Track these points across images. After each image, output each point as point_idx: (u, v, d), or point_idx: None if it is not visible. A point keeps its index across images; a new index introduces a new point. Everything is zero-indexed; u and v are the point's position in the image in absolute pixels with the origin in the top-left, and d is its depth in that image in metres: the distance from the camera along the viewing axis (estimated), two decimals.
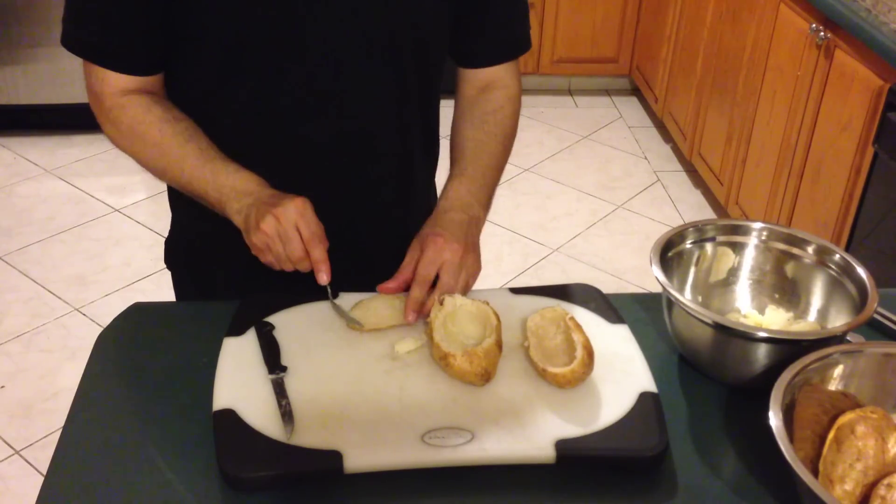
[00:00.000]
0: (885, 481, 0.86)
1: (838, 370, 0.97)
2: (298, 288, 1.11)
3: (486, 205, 1.23)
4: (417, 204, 1.29)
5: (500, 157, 1.26)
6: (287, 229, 1.03)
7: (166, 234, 1.35)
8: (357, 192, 1.22)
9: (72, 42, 1.10)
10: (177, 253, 1.34)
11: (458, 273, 1.10)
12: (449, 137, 1.29)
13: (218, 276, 1.28)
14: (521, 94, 1.30)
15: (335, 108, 1.15)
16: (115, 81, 1.11)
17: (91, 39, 1.09)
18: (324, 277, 1.05)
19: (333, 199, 1.15)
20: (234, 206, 1.08)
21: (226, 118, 1.14)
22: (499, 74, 1.27)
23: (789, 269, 1.15)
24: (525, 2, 1.27)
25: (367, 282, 1.13)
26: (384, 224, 1.26)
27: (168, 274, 1.36)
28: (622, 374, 1.01)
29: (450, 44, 1.23)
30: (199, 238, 1.28)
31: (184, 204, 1.23)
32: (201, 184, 1.10)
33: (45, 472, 0.93)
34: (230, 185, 1.09)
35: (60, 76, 3.54)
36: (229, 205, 1.08)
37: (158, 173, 1.16)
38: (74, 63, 1.17)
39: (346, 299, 1.12)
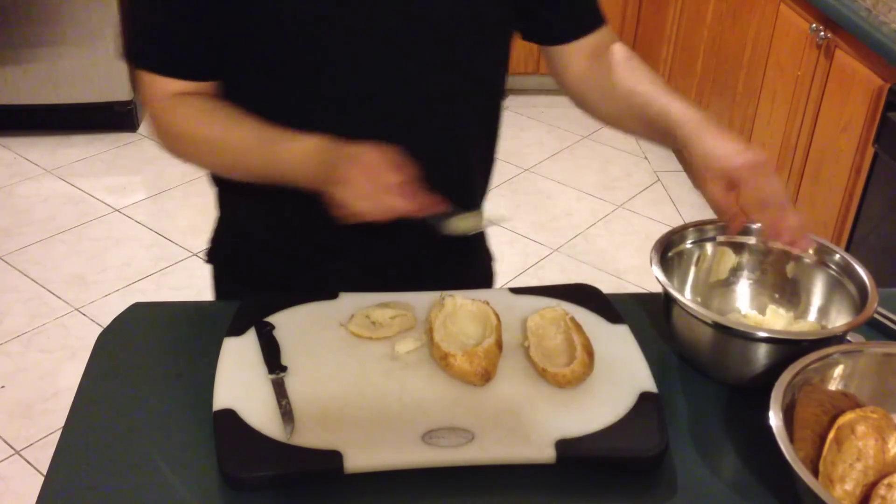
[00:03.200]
0: (886, 481, 0.86)
1: (838, 370, 0.97)
2: (327, 283, 1.11)
3: None
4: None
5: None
6: (375, 172, 0.98)
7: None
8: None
9: (130, 52, 1.10)
10: (220, 248, 1.33)
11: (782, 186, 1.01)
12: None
13: (260, 273, 1.27)
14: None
15: (388, 107, 1.13)
16: (162, 85, 1.09)
17: (148, 49, 1.09)
18: (441, 206, 1.01)
19: None
20: (306, 169, 1.04)
21: (277, 120, 1.10)
22: (601, 40, 1.21)
23: (789, 269, 1.15)
24: None
25: (411, 280, 1.13)
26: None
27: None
28: (622, 374, 1.01)
29: (536, 30, 1.20)
30: (243, 235, 1.27)
31: (231, 201, 1.24)
32: (266, 161, 1.07)
33: (45, 472, 0.93)
34: (299, 149, 1.04)
35: (60, 76, 3.54)
36: (301, 170, 1.04)
37: (220, 167, 1.14)
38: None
39: (348, 301, 1.12)
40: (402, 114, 1.13)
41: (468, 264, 1.34)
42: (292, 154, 1.05)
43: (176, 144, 1.12)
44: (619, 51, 1.20)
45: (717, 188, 1.01)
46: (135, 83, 1.12)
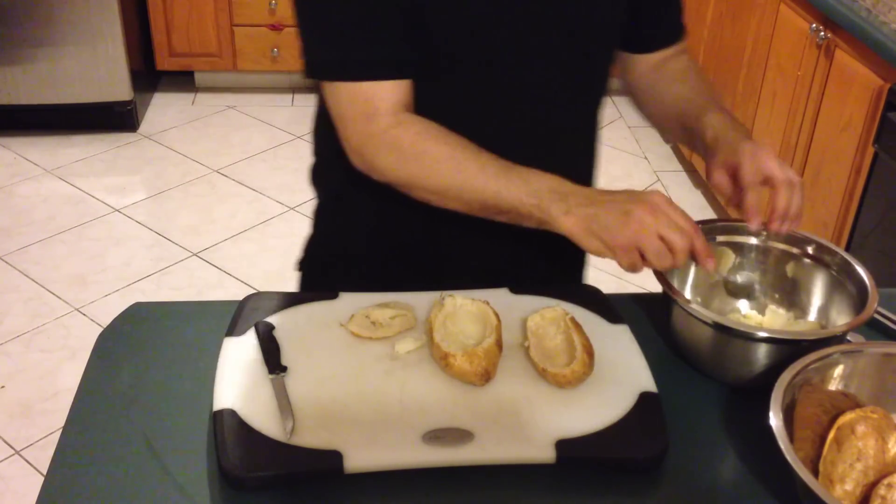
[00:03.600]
0: (886, 481, 0.86)
1: (838, 370, 0.97)
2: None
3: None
4: None
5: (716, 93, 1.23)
6: (668, 218, 0.96)
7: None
8: None
9: (326, 68, 1.03)
10: (313, 261, 1.33)
11: (792, 189, 1.03)
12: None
13: (349, 277, 1.27)
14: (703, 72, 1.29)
15: (543, 108, 1.14)
16: (388, 96, 1.03)
17: (352, 57, 1.02)
18: (710, 264, 0.99)
19: None
20: (560, 206, 0.98)
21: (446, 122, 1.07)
22: (674, 48, 1.27)
23: (789, 269, 1.15)
24: None
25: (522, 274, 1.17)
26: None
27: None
28: (622, 374, 1.01)
29: (628, 38, 1.23)
30: (337, 254, 1.29)
31: (332, 217, 1.27)
32: (511, 192, 1.00)
33: (45, 472, 0.93)
34: (547, 187, 1.00)
35: (60, 76, 3.54)
36: (554, 206, 0.99)
37: (451, 192, 1.04)
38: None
39: (348, 300, 1.12)
40: (552, 111, 1.16)
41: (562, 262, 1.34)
42: (546, 184, 1.00)
43: (400, 161, 1.04)
44: (681, 61, 1.25)
45: (723, 174, 1.06)
46: (323, 101, 1.05)
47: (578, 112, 1.22)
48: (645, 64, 1.27)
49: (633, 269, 0.98)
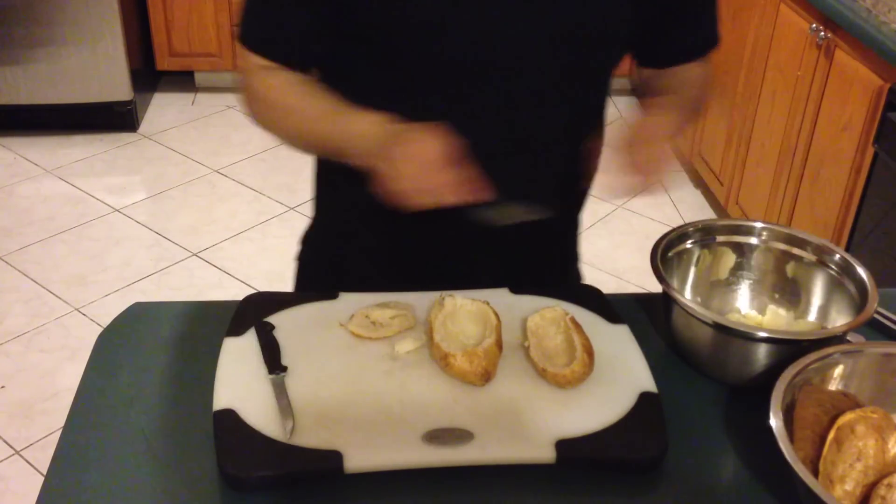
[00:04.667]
0: (886, 481, 0.86)
1: (838, 370, 0.97)
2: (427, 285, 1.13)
3: (685, 120, 1.17)
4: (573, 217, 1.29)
5: (697, 98, 1.21)
6: (424, 155, 0.99)
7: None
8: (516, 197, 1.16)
9: (238, 29, 1.14)
10: (312, 250, 1.34)
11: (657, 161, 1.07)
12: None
13: (348, 276, 1.27)
14: (711, 74, 1.25)
15: (498, 110, 1.12)
16: (256, 61, 1.13)
17: (249, 26, 1.13)
18: (485, 193, 1.01)
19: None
20: (364, 144, 1.04)
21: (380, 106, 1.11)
22: (690, 67, 1.23)
23: (789, 269, 1.15)
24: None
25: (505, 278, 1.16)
26: (540, 230, 1.18)
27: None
28: (622, 374, 1.01)
29: (642, 54, 1.22)
30: (338, 237, 1.29)
31: (331, 202, 1.27)
32: (330, 131, 1.09)
33: (45, 472, 0.93)
34: (362, 123, 1.05)
35: (60, 76, 3.54)
36: (358, 144, 1.05)
37: (296, 139, 1.15)
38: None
39: (348, 300, 1.12)
40: (514, 112, 1.13)
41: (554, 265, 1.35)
42: (355, 126, 1.06)
43: (259, 110, 1.15)
44: (695, 70, 1.22)
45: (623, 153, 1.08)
46: (235, 55, 1.17)
47: (565, 120, 1.18)
48: (664, 77, 1.23)
49: (422, 206, 1.01)
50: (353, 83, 1.14)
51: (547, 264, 1.31)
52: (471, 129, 1.09)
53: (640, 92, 1.26)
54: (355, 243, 1.27)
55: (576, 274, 1.40)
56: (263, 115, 1.15)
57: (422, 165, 0.98)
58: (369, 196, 1.07)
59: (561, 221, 1.28)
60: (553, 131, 1.17)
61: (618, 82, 1.29)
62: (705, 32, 1.22)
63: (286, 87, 1.12)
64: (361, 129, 1.05)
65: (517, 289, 1.16)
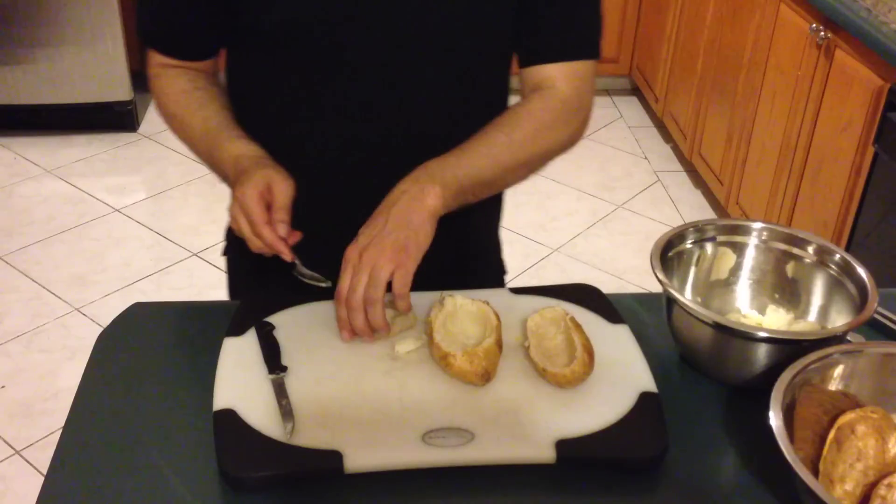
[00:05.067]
0: (886, 481, 0.86)
1: (838, 370, 0.97)
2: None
3: (454, 181, 1.08)
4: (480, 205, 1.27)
5: (503, 146, 1.12)
6: (247, 202, 1.03)
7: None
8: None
9: (137, 26, 1.19)
10: (236, 242, 1.33)
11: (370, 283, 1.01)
12: None
13: (273, 266, 1.26)
14: (571, 99, 1.17)
15: (387, 107, 1.14)
16: (157, 59, 1.18)
17: (145, 20, 1.18)
18: (287, 255, 1.04)
19: (381, 198, 1.15)
20: (228, 174, 1.09)
21: (277, 110, 1.16)
22: (550, 74, 1.16)
23: (789, 269, 1.15)
24: (596, 8, 1.19)
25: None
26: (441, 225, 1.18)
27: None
28: (622, 374, 1.01)
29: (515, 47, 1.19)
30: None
31: None
32: (209, 154, 1.13)
33: (45, 472, 0.93)
34: (227, 154, 1.09)
35: (60, 76, 3.54)
36: (226, 173, 1.10)
37: (192, 149, 1.17)
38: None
39: None
40: (402, 109, 1.14)
41: (476, 273, 1.35)
42: (223, 154, 1.10)
43: (163, 117, 1.19)
44: (532, 97, 1.17)
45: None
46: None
47: (454, 114, 1.16)
48: (524, 87, 1.18)
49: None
50: (248, 72, 1.18)
51: (471, 256, 1.32)
52: (360, 122, 1.13)
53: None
54: None
55: (498, 264, 1.40)
56: (166, 121, 1.19)
57: (244, 213, 1.03)
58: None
59: (479, 215, 1.27)
60: (443, 125, 1.17)
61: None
62: (576, 36, 1.18)
63: (180, 97, 1.16)
64: (225, 158, 1.10)
65: (517, 289, 1.16)
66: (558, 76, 1.17)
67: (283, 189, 1.03)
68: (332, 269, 1.06)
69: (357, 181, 1.18)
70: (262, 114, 1.18)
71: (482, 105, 1.20)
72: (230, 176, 1.09)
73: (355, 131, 1.15)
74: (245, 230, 1.03)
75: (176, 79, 1.17)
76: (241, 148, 1.10)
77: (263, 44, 1.12)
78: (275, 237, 1.02)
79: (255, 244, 1.04)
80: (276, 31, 1.10)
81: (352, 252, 1.02)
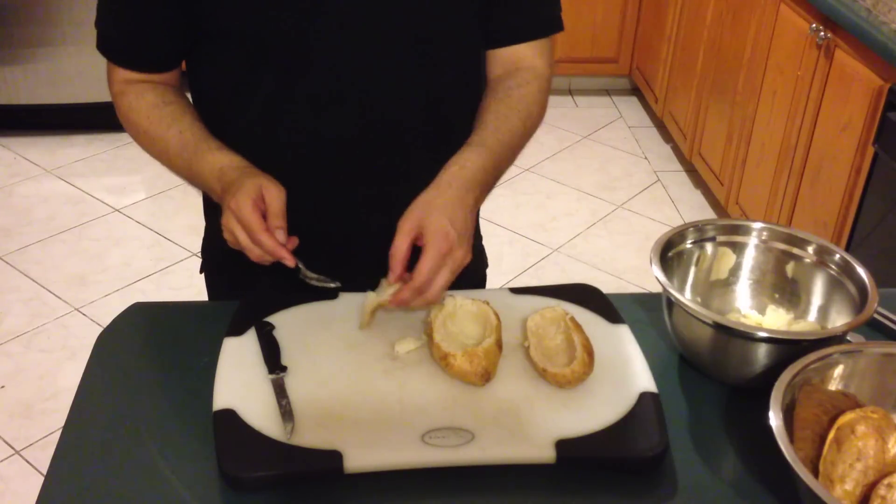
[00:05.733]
0: (886, 481, 0.86)
1: (838, 370, 0.97)
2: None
3: (492, 186, 1.14)
4: None
5: (520, 136, 1.16)
6: (242, 212, 1.01)
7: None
8: (386, 186, 1.18)
9: (97, 41, 1.15)
10: (212, 258, 1.34)
11: (442, 273, 1.02)
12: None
13: (254, 279, 1.24)
14: (550, 76, 1.21)
15: (357, 101, 1.13)
16: (118, 73, 1.16)
17: (105, 34, 1.15)
18: (289, 259, 1.03)
19: (361, 193, 1.15)
20: (213, 186, 1.08)
21: (249, 113, 1.15)
22: (525, 53, 1.20)
23: (789, 269, 1.15)
24: None
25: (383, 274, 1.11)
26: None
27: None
28: (622, 374, 1.01)
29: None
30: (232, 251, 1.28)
31: (215, 210, 1.24)
32: (188, 168, 1.12)
33: (45, 472, 0.94)
34: (210, 166, 1.09)
35: (60, 76, 3.54)
36: (209, 186, 1.09)
37: (166, 166, 1.16)
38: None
39: (348, 301, 1.12)
40: (373, 104, 1.14)
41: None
42: (205, 166, 1.09)
43: (131, 132, 1.18)
44: (523, 75, 1.18)
45: (407, 233, 1.02)
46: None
47: (417, 107, 1.16)
48: (496, 67, 1.20)
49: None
50: (214, 77, 1.16)
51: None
52: (333, 116, 1.12)
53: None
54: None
55: (479, 253, 1.38)
56: (135, 138, 1.18)
57: (240, 223, 1.02)
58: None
59: None
60: (417, 115, 1.16)
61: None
62: (542, 13, 1.21)
63: (151, 111, 1.15)
64: (207, 171, 1.09)
65: (517, 289, 1.16)
66: (532, 54, 1.20)
67: (275, 195, 1.02)
68: (323, 266, 1.07)
69: (334, 175, 1.17)
70: (233, 118, 1.16)
71: (455, 92, 1.20)
72: (215, 188, 1.08)
73: (329, 126, 1.14)
74: (242, 240, 1.02)
75: (144, 94, 1.15)
76: (222, 159, 1.08)
77: (229, 45, 1.11)
78: (275, 244, 1.01)
79: (255, 253, 1.02)
80: (242, 31, 1.08)
81: (442, 240, 1.01)
